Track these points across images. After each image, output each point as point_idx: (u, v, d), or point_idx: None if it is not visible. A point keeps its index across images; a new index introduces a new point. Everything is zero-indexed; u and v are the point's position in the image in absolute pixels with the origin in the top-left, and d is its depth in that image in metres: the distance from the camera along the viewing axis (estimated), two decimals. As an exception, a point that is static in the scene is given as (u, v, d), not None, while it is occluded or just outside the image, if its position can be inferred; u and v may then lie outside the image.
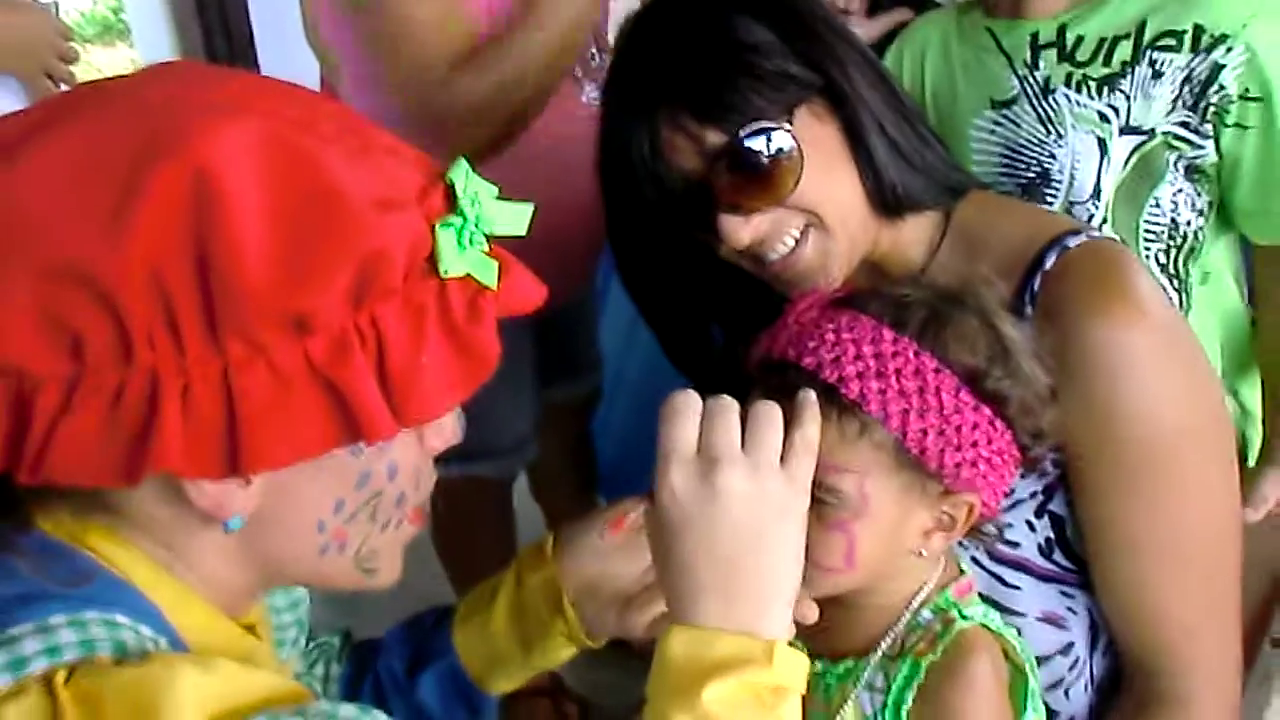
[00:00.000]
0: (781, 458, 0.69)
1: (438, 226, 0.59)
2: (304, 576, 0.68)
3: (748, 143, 0.88)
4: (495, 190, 0.63)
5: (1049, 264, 0.92)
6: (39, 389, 0.53)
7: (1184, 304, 1.23)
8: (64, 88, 1.60)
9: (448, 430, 0.69)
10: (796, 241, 0.93)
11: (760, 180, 0.90)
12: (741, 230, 0.91)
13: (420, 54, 1.22)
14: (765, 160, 0.89)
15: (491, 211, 0.62)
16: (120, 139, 0.55)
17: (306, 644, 0.87)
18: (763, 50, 0.90)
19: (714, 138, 0.89)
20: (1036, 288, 0.92)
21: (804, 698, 0.84)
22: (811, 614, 0.80)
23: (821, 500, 0.76)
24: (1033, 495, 0.94)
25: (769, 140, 0.89)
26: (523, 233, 0.64)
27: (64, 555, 0.59)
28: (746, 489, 0.66)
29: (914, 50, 1.29)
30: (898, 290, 0.80)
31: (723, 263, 0.98)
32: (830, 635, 0.84)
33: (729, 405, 0.69)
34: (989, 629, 0.81)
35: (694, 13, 0.93)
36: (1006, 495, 0.92)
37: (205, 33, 2.43)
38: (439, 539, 1.83)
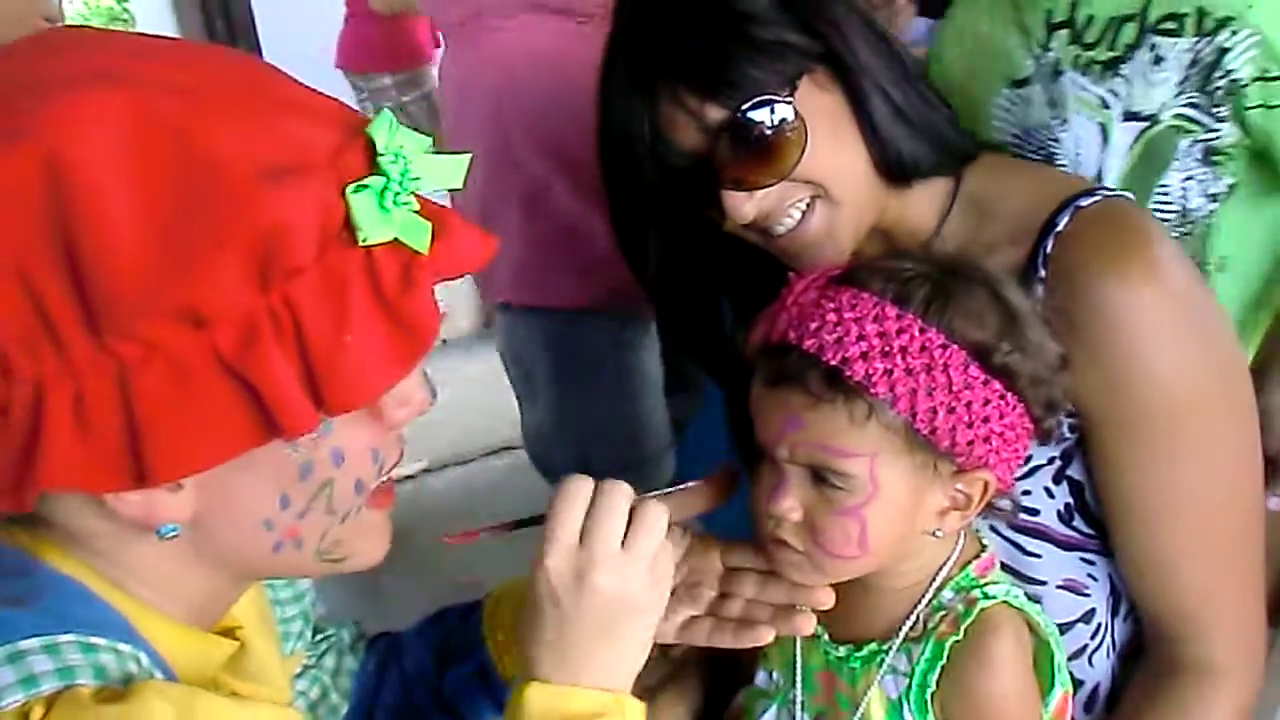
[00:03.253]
0: (643, 553, 0.70)
1: (350, 191, 0.53)
2: (266, 573, 0.65)
3: (749, 116, 0.87)
4: (426, 142, 0.57)
5: (1062, 225, 0.90)
6: None
7: None
8: None
9: (415, 400, 0.63)
10: (803, 214, 0.91)
11: (763, 154, 0.88)
12: (746, 205, 0.90)
13: None
14: (768, 134, 0.87)
15: (420, 168, 0.56)
16: None
17: (314, 635, 0.87)
18: (761, 20, 0.88)
19: (715, 113, 0.88)
20: (1049, 249, 0.90)
21: (830, 682, 0.84)
22: (827, 600, 0.80)
23: (831, 486, 0.75)
24: (1050, 461, 0.93)
25: (771, 113, 0.87)
26: (458, 186, 0.58)
27: (20, 571, 0.56)
28: (612, 589, 0.68)
29: (954, 32, 1.26)
30: (899, 264, 0.78)
31: (729, 237, 0.96)
32: (852, 619, 0.83)
33: (617, 501, 0.71)
34: (1011, 605, 0.80)
35: None
36: (1024, 463, 0.91)
37: (207, 20, 2.43)
38: None
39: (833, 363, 0.73)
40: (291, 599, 0.81)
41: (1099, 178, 1.15)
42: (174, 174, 0.49)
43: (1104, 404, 0.88)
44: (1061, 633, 0.93)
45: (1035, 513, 0.94)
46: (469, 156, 0.59)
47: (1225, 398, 0.90)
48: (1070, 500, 0.94)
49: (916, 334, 0.73)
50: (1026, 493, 0.93)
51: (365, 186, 0.53)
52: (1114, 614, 0.96)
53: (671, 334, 1.11)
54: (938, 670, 0.78)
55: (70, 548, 0.58)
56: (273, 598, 0.80)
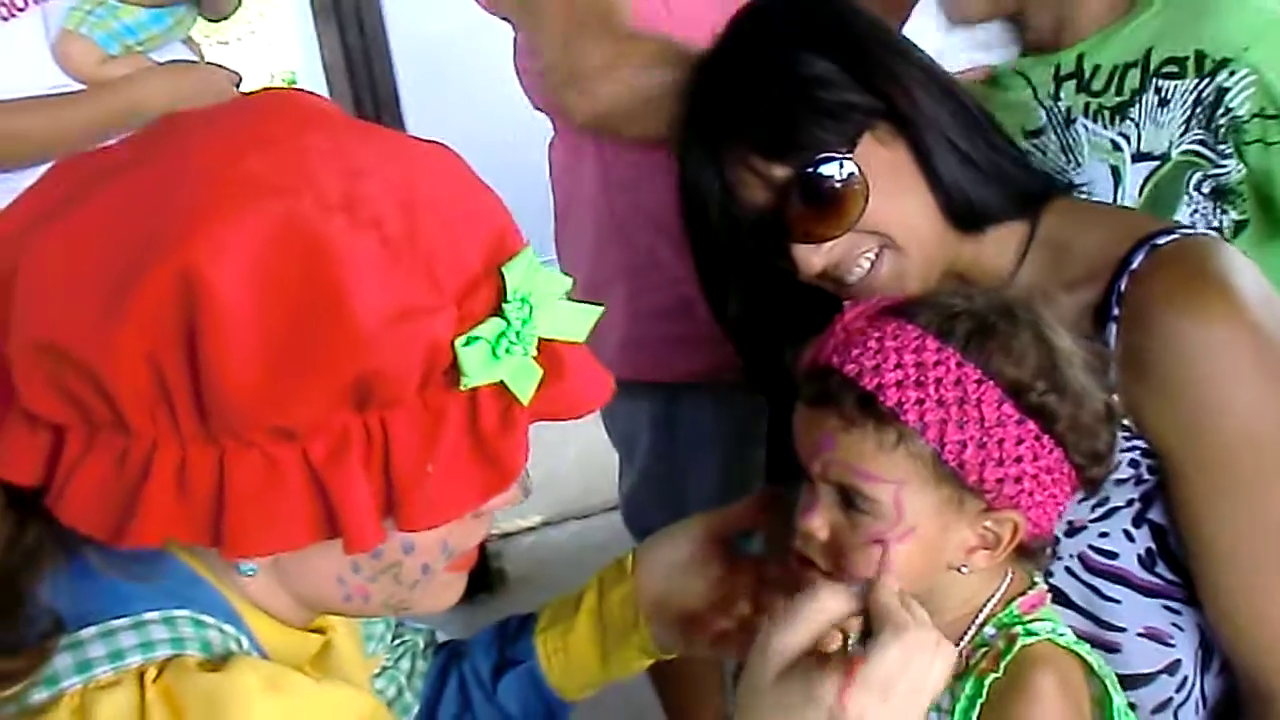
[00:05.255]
0: None
1: (460, 344, 0.55)
2: (336, 613, 0.70)
3: (813, 175, 0.90)
4: (564, 285, 0.58)
5: (1136, 264, 0.89)
6: (67, 435, 0.57)
7: None
8: None
9: (505, 496, 0.63)
10: (872, 263, 0.93)
11: (828, 210, 0.91)
12: (814, 258, 0.92)
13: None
14: (831, 190, 0.90)
15: (546, 315, 0.57)
16: (131, 224, 0.55)
17: (393, 639, 0.93)
18: (823, 82, 0.91)
19: (780, 172, 0.91)
20: (1124, 288, 0.89)
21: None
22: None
23: (859, 510, 0.76)
24: (1129, 503, 0.91)
25: (834, 170, 0.90)
26: (581, 339, 0.59)
27: (150, 557, 0.63)
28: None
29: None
30: (949, 300, 0.79)
31: (806, 285, 0.99)
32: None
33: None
34: (1057, 644, 0.78)
35: (756, 51, 0.96)
36: (1101, 504, 0.89)
37: (356, 101, 2.62)
38: None
39: (868, 388, 0.75)
40: None
41: None
42: (297, 307, 0.53)
43: (1182, 444, 0.86)
44: (1144, 684, 0.91)
45: (1114, 556, 0.92)
46: (600, 310, 0.60)
47: None
48: (1152, 545, 0.91)
49: (953, 367, 0.74)
50: (1104, 535, 0.91)
51: (477, 339, 0.55)
52: (1204, 667, 0.92)
53: (755, 379, 1.13)
54: (978, 708, 0.76)
55: (192, 549, 0.65)
56: None
